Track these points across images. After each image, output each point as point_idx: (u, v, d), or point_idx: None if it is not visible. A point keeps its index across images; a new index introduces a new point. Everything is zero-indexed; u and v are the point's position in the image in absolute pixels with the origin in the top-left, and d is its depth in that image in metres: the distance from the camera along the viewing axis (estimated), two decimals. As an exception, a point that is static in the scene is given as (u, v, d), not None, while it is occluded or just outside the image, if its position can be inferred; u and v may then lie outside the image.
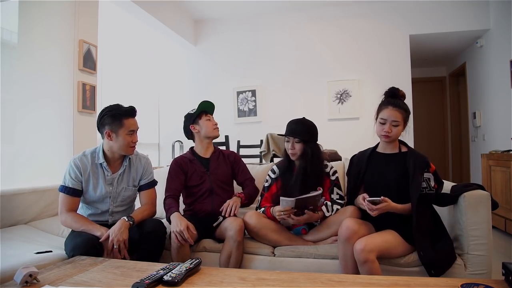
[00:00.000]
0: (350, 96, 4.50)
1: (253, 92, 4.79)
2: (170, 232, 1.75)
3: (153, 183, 1.97)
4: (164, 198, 1.96)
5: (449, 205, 1.73)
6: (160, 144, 4.97)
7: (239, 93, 4.83)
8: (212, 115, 2.17)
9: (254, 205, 2.14)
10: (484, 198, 1.61)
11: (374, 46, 4.49)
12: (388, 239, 1.58)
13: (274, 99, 4.74)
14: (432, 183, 1.67)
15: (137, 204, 2.00)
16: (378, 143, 1.86)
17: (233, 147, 3.85)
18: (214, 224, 1.97)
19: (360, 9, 4.52)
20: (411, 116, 1.79)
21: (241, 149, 4.00)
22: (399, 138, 1.79)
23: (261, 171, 2.37)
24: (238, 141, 4.02)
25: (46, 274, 1.28)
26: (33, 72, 2.61)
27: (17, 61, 2.63)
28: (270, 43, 4.77)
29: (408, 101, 4.05)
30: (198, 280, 1.24)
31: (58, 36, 2.67)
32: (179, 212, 1.84)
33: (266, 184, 2.02)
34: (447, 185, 1.79)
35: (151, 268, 1.33)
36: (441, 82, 6.17)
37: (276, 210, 1.78)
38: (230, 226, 1.79)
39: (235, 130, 4.60)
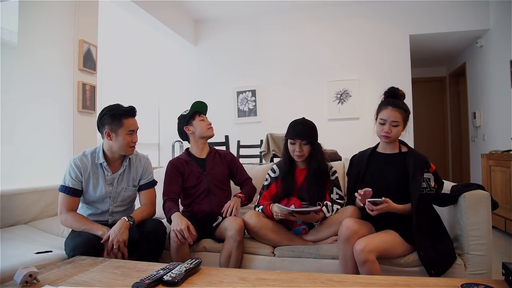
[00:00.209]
0: (350, 96, 4.50)
1: (253, 92, 4.79)
2: (170, 231, 1.75)
3: (153, 183, 1.97)
4: (164, 202, 1.94)
5: (449, 205, 1.73)
6: (160, 144, 4.97)
7: (239, 93, 4.83)
8: (205, 115, 2.16)
9: (253, 205, 2.14)
10: (484, 198, 1.61)
11: (374, 46, 4.49)
12: (388, 239, 1.58)
13: (274, 99, 4.74)
14: (432, 183, 1.67)
15: (137, 204, 2.00)
16: (378, 143, 1.86)
17: (233, 147, 3.85)
18: (214, 224, 1.97)
19: (360, 9, 4.52)
20: (411, 116, 1.79)
21: (241, 149, 4.00)
22: (399, 138, 1.79)
23: (261, 171, 2.37)
24: (238, 141, 4.02)
25: (46, 274, 1.28)
26: (33, 72, 2.61)
27: (17, 61, 2.63)
28: (270, 43, 4.77)
29: (408, 101, 4.06)
30: (198, 280, 1.24)
31: (58, 36, 2.67)
32: (180, 212, 1.84)
33: (266, 183, 2.02)
34: (447, 185, 1.79)
35: (151, 268, 1.33)
36: (441, 82, 6.17)
37: (274, 210, 1.79)
38: (230, 226, 1.79)
39: (235, 130, 4.60)
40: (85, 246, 1.56)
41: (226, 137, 3.63)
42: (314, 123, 1.96)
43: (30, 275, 1.16)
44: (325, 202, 1.87)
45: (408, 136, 1.84)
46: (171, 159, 2.13)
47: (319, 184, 1.90)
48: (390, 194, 1.63)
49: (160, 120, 5.00)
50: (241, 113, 4.84)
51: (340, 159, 2.96)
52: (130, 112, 1.80)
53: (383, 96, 1.80)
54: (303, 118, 1.97)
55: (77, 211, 1.79)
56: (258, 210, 1.92)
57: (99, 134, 1.84)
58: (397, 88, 1.78)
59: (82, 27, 2.77)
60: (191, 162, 2.08)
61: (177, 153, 4.32)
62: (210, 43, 4.99)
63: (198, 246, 1.92)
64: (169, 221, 1.82)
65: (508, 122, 3.70)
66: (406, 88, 4.14)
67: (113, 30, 3.80)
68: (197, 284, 1.20)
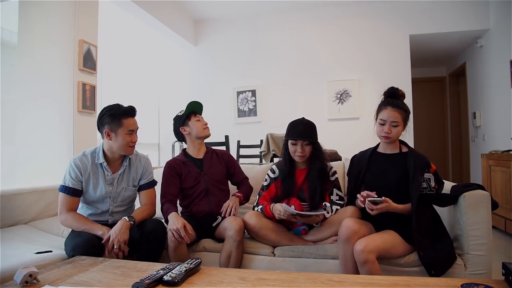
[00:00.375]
0: (350, 96, 4.50)
1: (253, 92, 4.79)
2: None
3: (153, 183, 1.97)
4: (161, 204, 1.93)
5: (449, 205, 1.73)
6: (160, 144, 4.97)
7: (239, 93, 4.83)
8: (201, 114, 2.14)
9: (252, 205, 2.14)
10: (484, 198, 1.61)
11: (374, 46, 4.49)
12: (388, 239, 1.58)
13: (274, 99, 4.74)
14: (433, 184, 1.67)
15: (137, 204, 2.00)
16: (379, 143, 1.86)
17: (233, 147, 3.85)
18: (214, 224, 1.97)
19: (360, 9, 4.52)
20: (411, 116, 1.79)
21: (241, 149, 4.00)
22: (399, 138, 1.79)
23: (261, 171, 2.37)
24: (238, 141, 4.01)
25: (46, 274, 1.28)
26: (33, 72, 2.61)
27: (17, 61, 2.63)
28: (270, 43, 4.77)
29: (408, 101, 4.05)
30: (198, 280, 1.24)
31: (58, 36, 2.67)
32: (177, 212, 1.84)
33: (265, 183, 2.01)
34: (447, 185, 1.78)
35: (151, 268, 1.33)
36: (441, 82, 6.17)
37: (278, 208, 1.78)
38: (229, 226, 1.79)
39: (235, 130, 4.60)
40: (85, 246, 1.56)
41: (226, 137, 3.63)
42: (314, 123, 1.96)
43: (30, 275, 1.16)
44: (324, 203, 1.87)
45: (408, 136, 1.84)
46: (168, 160, 2.12)
47: (319, 184, 1.90)
48: (390, 194, 1.63)
49: (160, 120, 5.00)
50: (241, 113, 4.84)
51: (340, 159, 2.96)
52: (130, 112, 1.80)
53: (383, 96, 1.80)
54: (303, 118, 1.97)
55: (77, 211, 1.79)
56: (257, 210, 1.92)
57: (99, 134, 1.84)
58: (397, 88, 1.78)
59: (82, 27, 2.77)
60: (189, 163, 2.07)
61: (177, 153, 4.32)
62: (210, 43, 4.99)
63: (198, 246, 1.92)
64: (167, 222, 1.82)
65: (508, 122, 3.70)
66: (406, 88, 4.15)
67: (113, 30, 3.80)
68: (197, 284, 1.20)
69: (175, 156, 2.17)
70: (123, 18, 3.90)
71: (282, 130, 2.01)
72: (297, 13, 4.70)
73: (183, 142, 2.18)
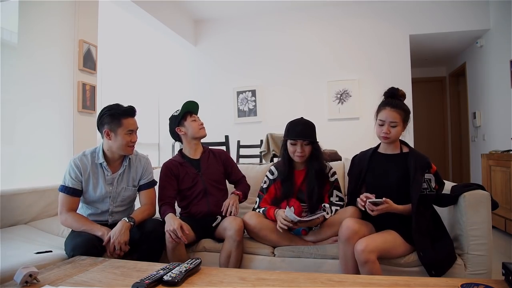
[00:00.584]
0: (350, 96, 4.50)
1: (253, 92, 4.79)
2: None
3: (153, 183, 1.97)
4: (159, 207, 1.92)
5: (450, 206, 1.73)
6: (160, 144, 4.97)
7: (239, 93, 4.83)
8: (197, 114, 2.12)
9: (251, 205, 2.14)
10: (484, 198, 1.61)
11: (374, 46, 4.49)
12: (388, 239, 1.58)
13: (274, 99, 4.74)
14: (433, 184, 1.66)
15: (137, 204, 1.99)
16: (380, 143, 1.85)
17: (233, 147, 3.85)
18: (213, 224, 1.97)
19: (360, 9, 4.52)
20: (411, 116, 1.79)
21: (241, 149, 4.00)
22: (400, 138, 1.79)
23: (261, 171, 2.37)
24: (238, 141, 4.01)
25: (46, 274, 1.28)
26: (33, 72, 2.60)
27: (17, 61, 2.63)
28: (270, 43, 4.77)
29: (408, 101, 4.05)
30: (198, 280, 1.24)
31: (58, 36, 2.67)
32: (173, 213, 1.83)
33: (264, 186, 2.00)
34: (447, 185, 1.78)
35: (151, 268, 1.33)
36: (441, 82, 6.17)
37: (280, 216, 1.76)
38: (229, 226, 1.79)
39: (235, 130, 4.60)
40: (85, 246, 1.56)
41: (226, 137, 3.63)
42: (313, 122, 1.95)
43: (30, 275, 1.16)
44: (323, 205, 1.87)
45: (408, 136, 1.84)
46: (165, 161, 2.09)
47: (318, 185, 1.89)
48: (391, 195, 1.63)
49: (160, 120, 4.99)
50: (241, 113, 4.84)
51: (340, 159, 2.96)
52: (130, 111, 1.80)
53: (383, 96, 1.80)
54: (302, 117, 1.96)
55: (77, 211, 1.79)
56: (259, 211, 1.92)
57: (99, 134, 1.84)
58: (397, 88, 1.77)
59: (82, 27, 2.77)
60: (186, 164, 2.05)
61: (177, 153, 4.32)
62: (210, 43, 4.99)
63: (198, 246, 1.92)
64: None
65: (508, 122, 3.70)
66: (406, 88, 4.14)
67: (113, 30, 3.80)
68: (197, 284, 1.20)
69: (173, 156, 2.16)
70: (123, 18, 3.90)
71: (282, 130, 2.00)
72: (297, 13, 4.70)
73: (180, 142, 2.17)
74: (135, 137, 1.82)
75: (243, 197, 2.06)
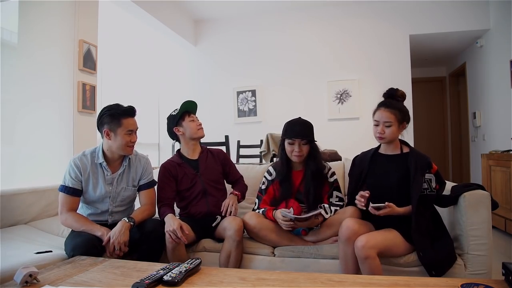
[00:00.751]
0: (350, 96, 4.50)
1: (253, 92, 4.79)
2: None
3: (153, 183, 1.97)
4: (158, 208, 1.92)
5: (450, 206, 1.73)
6: (160, 144, 4.97)
7: (239, 93, 4.83)
8: (195, 114, 2.10)
9: (251, 205, 2.14)
10: (484, 198, 1.61)
11: (374, 46, 4.49)
12: (389, 237, 1.58)
13: (274, 99, 4.74)
14: (433, 184, 1.67)
15: (137, 204, 1.99)
16: (380, 144, 1.86)
17: (233, 147, 3.85)
18: (213, 224, 1.97)
19: (360, 9, 4.52)
20: (411, 116, 1.79)
21: (241, 149, 4.00)
22: (400, 138, 1.79)
23: (261, 171, 2.37)
24: (238, 141, 4.02)
25: (46, 274, 1.28)
26: (33, 72, 2.60)
27: (17, 61, 2.63)
28: (270, 43, 4.77)
29: (408, 101, 4.07)
30: (198, 280, 1.24)
31: (58, 36, 2.67)
32: (173, 214, 1.83)
33: (263, 187, 2.00)
34: (447, 185, 1.78)
35: (151, 268, 1.33)
36: (441, 82, 6.17)
37: (279, 219, 1.78)
38: (229, 226, 1.79)
39: (235, 130, 4.60)
40: (85, 246, 1.56)
41: (226, 137, 3.63)
42: (311, 122, 1.95)
43: (30, 275, 1.16)
44: (322, 205, 1.87)
45: (408, 136, 1.84)
46: (163, 162, 2.08)
47: (316, 185, 1.89)
48: (392, 195, 1.63)
49: (160, 120, 4.99)
50: (241, 113, 4.84)
51: (340, 159, 2.96)
52: (129, 111, 1.80)
53: (383, 97, 1.81)
54: (300, 117, 1.96)
55: (77, 211, 1.79)
56: (258, 212, 1.92)
57: (99, 134, 1.84)
58: (396, 89, 1.78)
59: (82, 27, 2.77)
60: (184, 165, 2.04)
61: (177, 153, 4.32)
62: (210, 43, 4.99)
63: (198, 246, 1.92)
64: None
65: (508, 122, 3.70)
66: (406, 88, 4.15)
67: (113, 30, 3.80)
68: (197, 284, 1.20)
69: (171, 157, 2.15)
70: (123, 18, 3.90)
71: (282, 130, 2.00)
72: (297, 13, 4.70)
73: (178, 142, 2.16)
74: (135, 137, 1.82)
75: (241, 198, 2.06)
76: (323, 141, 1.98)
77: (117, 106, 1.79)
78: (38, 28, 2.62)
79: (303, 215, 1.75)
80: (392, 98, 1.77)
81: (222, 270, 1.45)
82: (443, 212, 1.78)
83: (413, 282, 1.19)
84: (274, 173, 1.99)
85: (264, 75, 4.78)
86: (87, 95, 2.78)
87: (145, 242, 1.71)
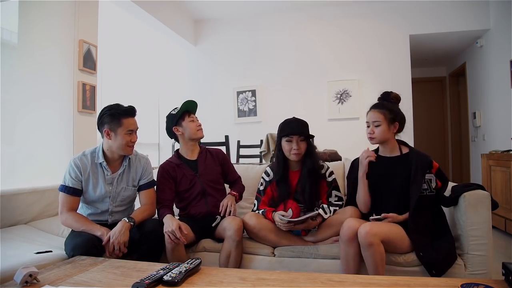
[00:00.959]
0: (350, 96, 4.50)
1: (253, 92, 4.79)
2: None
3: (153, 183, 1.97)
4: (157, 209, 1.92)
5: (450, 206, 1.73)
6: (160, 144, 4.97)
7: (239, 93, 4.83)
8: (195, 114, 2.09)
9: (250, 205, 2.14)
10: (484, 198, 1.61)
11: (374, 46, 4.49)
12: (394, 230, 1.59)
13: (274, 99, 4.74)
14: (433, 184, 1.67)
15: (137, 204, 1.99)
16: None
17: (233, 147, 3.85)
18: (213, 225, 1.97)
19: (360, 9, 4.52)
20: (410, 116, 1.79)
21: (241, 149, 4.00)
22: (397, 139, 1.79)
23: (261, 172, 2.36)
24: (238, 141, 4.02)
25: (46, 274, 1.28)
26: (33, 72, 2.60)
27: (17, 61, 2.63)
28: (270, 43, 4.78)
29: (408, 101, 4.06)
30: (198, 280, 1.24)
31: (58, 36, 2.67)
32: (171, 215, 1.83)
33: (261, 188, 2.00)
34: (448, 186, 1.78)
35: (151, 268, 1.33)
36: (441, 82, 6.17)
37: (276, 220, 1.79)
38: (228, 226, 1.79)
39: (235, 130, 4.60)
40: (85, 246, 1.56)
41: (226, 137, 3.63)
42: (306, 121, 1.95)
43: (30, 275, 1.16)
44: (321, 205, 1.87)
45: (408, 136, 1.85)
46: (161, 163, 2.07)
47: (311, 183, 1.89)
48: (392, 198, 1.64)
49: (160, 120, 4.99)
50: (241, 113, 4.84)
51: (340, 159, 2.95)
52: (130, 111, 1.80)
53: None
54: (294, 117, 1.97)
55: (77, 211, 1.79)
56: (258, 213, 1.92)
57: (99, 134, 1.84)
58: (390, 92, 1.81)
59: (82, 27, 2.77)
60: (183, 165, 2.03)
61: (177, 153, 4.32)
62: (210, 43, 4.99)
63: (198, 246, 1.92)
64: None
65: (508, 122, 3.70)
66: (406, 88, 4.16)
67: (113, 30, 3.80)
68: (197, 284, 1.20)
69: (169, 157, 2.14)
70: (123, 18, 3.90)
71: (282, 130, 2.00)
72: (297, 13, 4.70)
73: (177, 142, 2.15)
74: (135, 137, 1.82)
75: (238, 198, 2.06)
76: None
77: (117, 106, 1.79)
78: (38, 28, 2.62)
79: (300, 217, 1.74)
80: (386, 101, 1.78)
81: (222, 270, 1.45)
82: (443, 212, 1.78)
83: (413, 282, 1.19)
84: (271, 174, 1.99)
85: (264, 75, 4.78)
86: (87, 95, 2.78)
87: (145, 242, 1.71)
